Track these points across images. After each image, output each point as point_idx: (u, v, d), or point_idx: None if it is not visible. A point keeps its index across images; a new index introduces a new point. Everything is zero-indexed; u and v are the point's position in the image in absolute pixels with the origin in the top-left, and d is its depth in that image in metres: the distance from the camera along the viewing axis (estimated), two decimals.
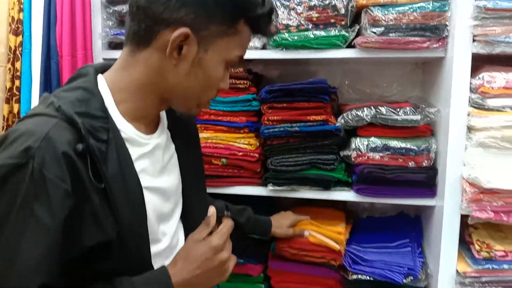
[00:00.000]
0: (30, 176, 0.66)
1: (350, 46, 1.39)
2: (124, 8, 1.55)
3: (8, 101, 1.55)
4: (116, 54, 1.51)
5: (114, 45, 1.59)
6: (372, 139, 1.36)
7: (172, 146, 0.96)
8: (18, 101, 1.54)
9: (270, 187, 1.45)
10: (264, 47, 1.46)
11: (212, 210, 0.87)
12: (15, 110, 1.54)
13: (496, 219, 1.18)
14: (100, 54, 1.55)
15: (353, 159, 1.38)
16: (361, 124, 1.37)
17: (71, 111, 0.72)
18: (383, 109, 1.35)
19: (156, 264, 0.83)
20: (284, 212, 1.51)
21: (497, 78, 1.17)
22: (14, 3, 1.52)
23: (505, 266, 1.21)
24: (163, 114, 0.95)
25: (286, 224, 1.44)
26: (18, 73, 1.54)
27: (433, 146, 1.35)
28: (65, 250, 0.69)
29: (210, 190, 1.10)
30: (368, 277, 1.38)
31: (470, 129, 1.23)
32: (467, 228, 1.30)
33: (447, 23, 1.27)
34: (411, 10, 1.28)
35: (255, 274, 1.51)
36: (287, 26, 1.40)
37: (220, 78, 0.84)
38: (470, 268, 1.24)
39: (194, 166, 1.02)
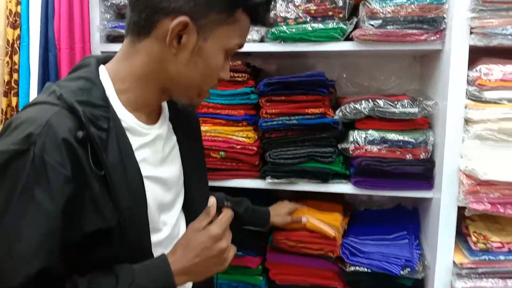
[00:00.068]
0: (31, 162, 0.68)
1: (348, 39, 1.39)
2: (122, 0, 1.55)
3: (6, 94, 1.55)
4: (114, 47, 1.54)
5: (112, 38, 1.59)
6: (370, 132, 1.36)
7: (174, 138, 0.96)
8: (17, 94, 1.54)
9: (268, 180, 1.46)
10: (262, 40, 1.46)
11: (212, 201, 0.88)
12: (14, 104, 1.54)
13: (493, 210, 1.19)
14: (98, 47, 1.55)
15: (351, 152, 1.39)
16: (359, 117, 1.38)
17: (72, 99, 0.73)
18: (381, 102, 1.35)
19: (157, 253, 0.84)
20: (281, 202, 1.52)
21: (494, 71, 1.18)
22: None
23: (502, 257, 1.22)
24: (164, 105, 0.96)
25: (284, 212, 1.45)
26: (16, 67, 1.53)
27: (431, 138, 1.35)
28: (65, 236, 0.71)
29: (208, 183, 1.11)
30: (365, 269, 1.39)
31: (467, 121, 1.23)
32: (464, 220, 1.31)
33: (444, 15, 1.27)
34: (409, 2, 1.28)
35: (253, 266, 1.52)
36: (285, 19, 1.40)
37: (220, 67, 0.85)
38: (467, 259, 1.25)
39: (196, 158, 1.03)
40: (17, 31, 1.53)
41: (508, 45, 1.18)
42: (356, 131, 1.38)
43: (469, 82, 1.22)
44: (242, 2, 0.80)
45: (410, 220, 1.59)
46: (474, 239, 1.24)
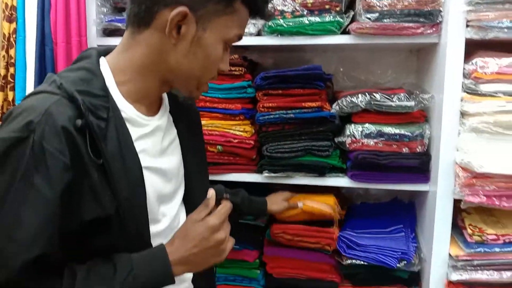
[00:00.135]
0: (31, 149, 0.69)
1: (345, 32, 1.39)
2: None
3: (2, 88, 1.54)
4: (111, 41, 1.53)
5: (108, 32, 1.59)
6: (367, 125, 1.37)
7: (174, 130, 0.97)
8: (13, 88, 1.54)
9: (265, 173, 1.46)
10: (259, 34, 1.46)
11: (211, 192, 0.88)
12: (10, 98, 1.54)
13: (489, 203, 1.20)
14: (94, 41, 1.55)
15: (347, 146, 1.39)
16: (355, 110, 1.38)
17: (72, 89, 0.74)
18: (377, 96, 1.35)
19: (156, 244, 0.84)
20: (276, 192, 1.52)
21: (490, 64, 1.18)
22: None
23: (497, 249, 1.23)
24: (165, 98, 0.96)
25: (280, 199, 1.46)
26: (13, 61, 1.53)
27: (427, 132, 1.36)
28: (64, 223, 0.71)
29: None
30: (362, 262, 1.40)
31: (463, 114, 1.24)
32: (460, 213, 1.32)
33: (441, 8, 1.28)
34: None
35: (251, 260, 1.52)
36: (282, 12, 1.40)
37: (219, 58, 0.85)
38: (463, 251, 1.26)
39: (196, 151, 1.04)
40: (13, 25, 1.53)
41: (504, 38, 1.19)
42: (352, 125, 1.39)
43: (465, 75, 1.23)
44: None
45: (406, 214, 1.60)
46: (469, 231, 1.25)
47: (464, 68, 1.22)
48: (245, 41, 1.40)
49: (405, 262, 1.37)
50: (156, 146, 0.88)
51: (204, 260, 0.85)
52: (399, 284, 1.42)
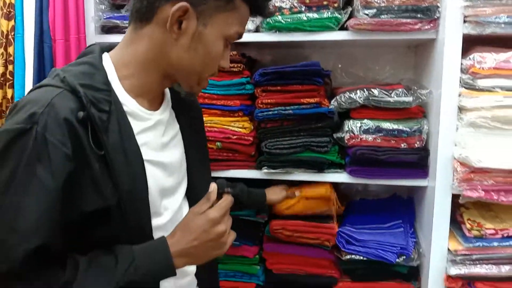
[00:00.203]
0: (33, 139, 0.70)
1: (343, 28, 1.39)
2: None
3: (1, 86, 1.54)
4: (109, 38, 1.53)
5: (107, 29, 1.59)
6: (365, 121, 1.37)
7: (177, 125, 0.98)
8: (12, 86, 1.54)
9: (264, 170, 1.46)
10: (257, 30, 1.46)
11: (213, 186, 0.89)
12: (9, 95, 1.54)
13: (487, 198, 1.20)
14: (93, 38, 1.55)
15: (346, 141, 1.39)
16: (354, 106, 1.38)
17: (75, 82, 0.76)
18: (375, 91, 1.36)
19: (157, 237, 0.85)
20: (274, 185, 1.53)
21: (487, 59, 1.18)
22: None
23: (495, 244, 1.24)
24: (167, 93, 0.97)
25: (278, 190, 1.47)
26: (11, 58, 1.53)
27: (425, 127, 1.36)
28: (65, 213, 0.73)
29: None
30: (361, 257, 1.40)
31: (461, 109, 1.24)
32: (458, 208, 1.32)
33: (438, 4, 1.28)
34: None
35: (250, 255, 1.53)
36: (280, 9, 1.40)
37: (220, 54, 0.86)
38: (461, 246, 1.26)
39: (199, 147, 1.05)
40: (12, 22, 1.53)
41: (501, 33, 1.19)
42: (351, 121, 1.39)
43: (463, 71, 1.23)
44: None
45: (405, 209, 1.61)
46: (468, 226, 1.26)
47: (461, 64, 1.23)
48: (244, 37, 1.39)
49: (404, 257, 1.37)
50: (158, 140, 0.88)
51: (204, 252, 0.85)
52: (398, 279, 1.43)
